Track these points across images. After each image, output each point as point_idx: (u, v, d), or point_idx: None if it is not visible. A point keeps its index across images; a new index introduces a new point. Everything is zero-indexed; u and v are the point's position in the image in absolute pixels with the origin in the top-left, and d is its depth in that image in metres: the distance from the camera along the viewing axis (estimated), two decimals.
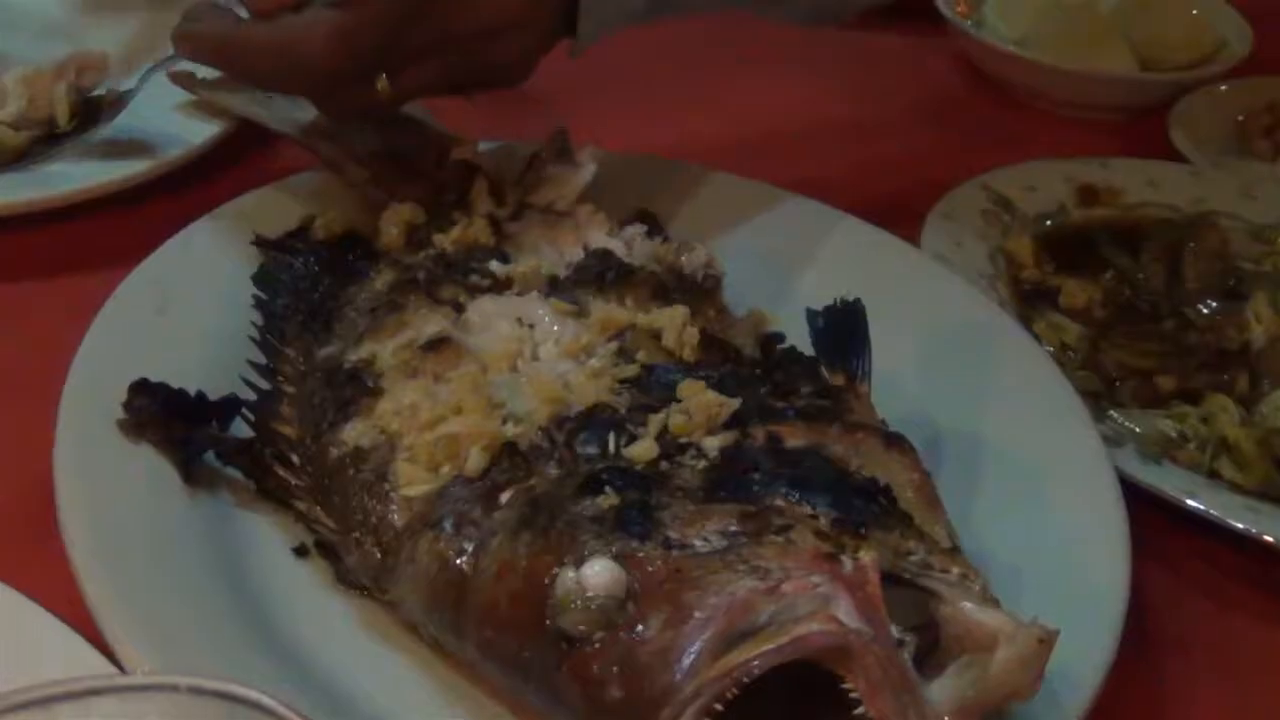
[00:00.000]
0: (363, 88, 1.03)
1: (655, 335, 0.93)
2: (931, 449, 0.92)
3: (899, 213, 1.18)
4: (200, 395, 0.91)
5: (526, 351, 0.92)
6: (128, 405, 0.89)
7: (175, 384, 0.91)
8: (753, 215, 1.16)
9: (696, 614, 0.71)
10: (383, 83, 1.02)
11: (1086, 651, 0.81)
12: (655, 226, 1.08)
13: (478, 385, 0.87)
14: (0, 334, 1.04)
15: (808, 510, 0.77)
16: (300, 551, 0.86)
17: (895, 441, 0.85)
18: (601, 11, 1.07)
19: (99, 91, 1.22)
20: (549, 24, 1.07)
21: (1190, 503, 0.98)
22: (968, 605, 0.73)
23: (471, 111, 1.15)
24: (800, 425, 0.84)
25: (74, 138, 1.20)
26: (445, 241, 1.03)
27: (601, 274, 0.98)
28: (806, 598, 0.71)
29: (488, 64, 1.06)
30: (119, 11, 1.38)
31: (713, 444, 0.82)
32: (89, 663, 0.75)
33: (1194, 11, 1.58)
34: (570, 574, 0.74)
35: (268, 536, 0.87)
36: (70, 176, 1.16)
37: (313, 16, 1.00)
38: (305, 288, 1.02)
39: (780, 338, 0.99)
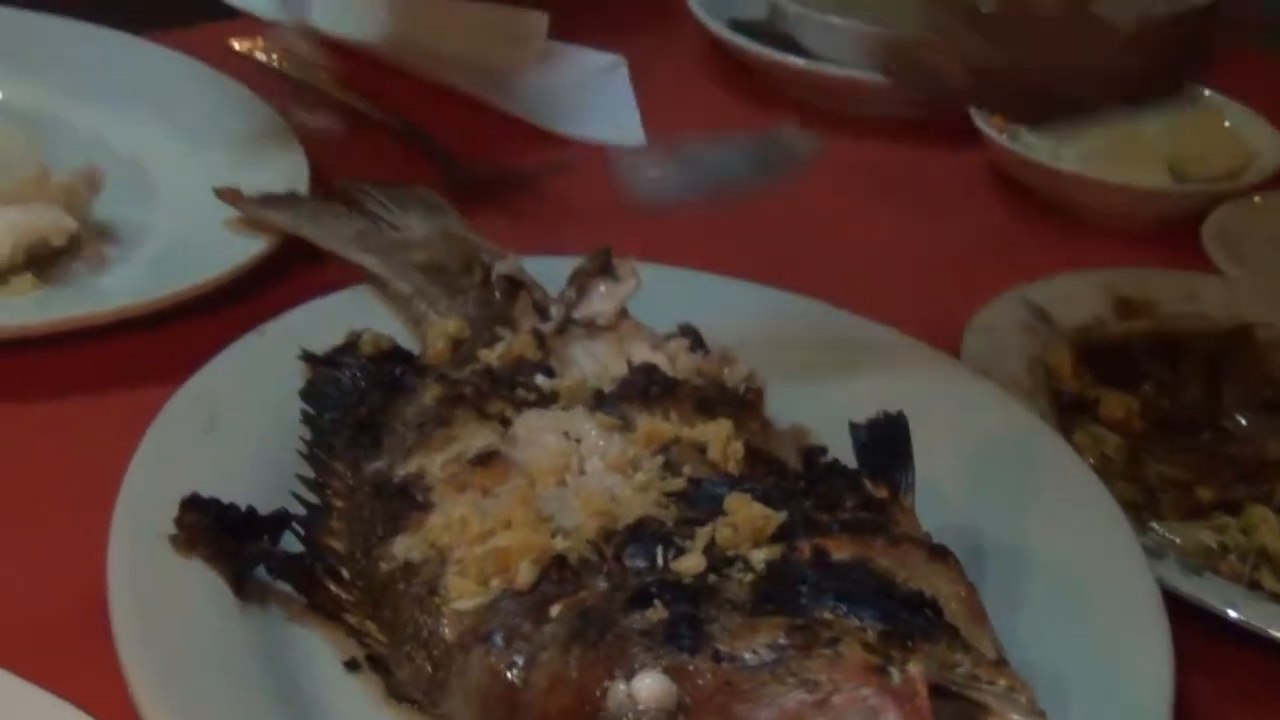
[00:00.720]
0: None
1: (700, 449, 0.93)
2: (974, 560, 0.92)
3: (938, 324, 1.19)
4: (250, 510, 0.92)
5: (574, 465, 0.93)
6: (179, 521, 0.90)
7: (225, 499, 0.91)
8: (792, 328, 1.17)
9: None
10: None
11: None
12: (697, 340, 1.09)
13: (526, 499, 0.88)
14: (52, 450, 1.05)
15: (855, 623, 0.77)
16: (352, 665, 0.86)
17: (940, 554, 0.85)
18: None
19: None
20: None
21: (1232, 613, 0.98)
22: (1015, 717, 0.73)
23: (515, 227, 1.17)
24: (846, 538, 0.84)
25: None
26: (491, 357, 1.04)
27: (646, 388, 0.99)
28: (856, 710, 0.72)
29: None
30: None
31: (759, 557, 0.83)
32: None
33: (1226, 124, 1.59)
34: (621, 687, 0.74)
35: (319, 650, 0.87)
36: (118, 293, 1.17)
37: None
38: (353, 403, 1.03)
39: (823, 451, 1.00)
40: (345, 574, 0.90)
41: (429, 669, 0.84)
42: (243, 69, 1.49)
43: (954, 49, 1.04)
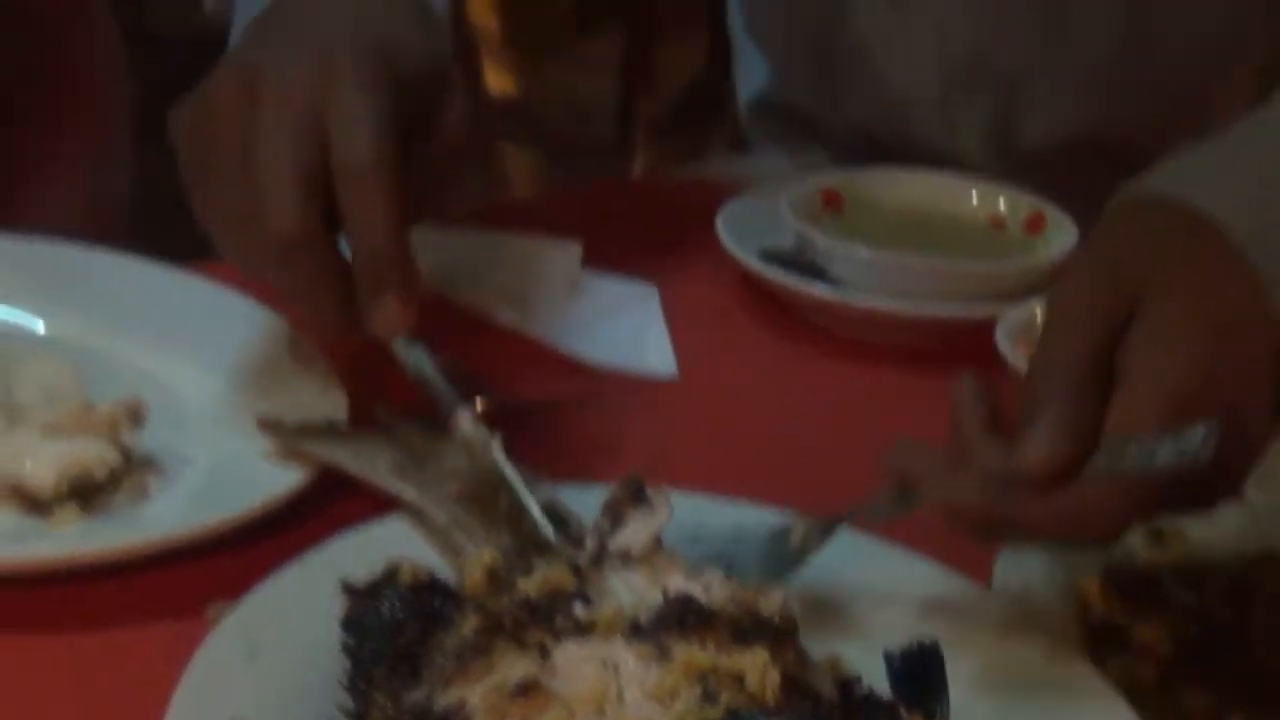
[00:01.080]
0: None
1: (738, 678, 0.94)
2: None
3: (968, 553, 1.20)
4: None
5: (613, 695, 0.93)
6: None
7: None
8: (823, 556, 1.18)
9: None
10: None
11: None
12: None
13: None
14: (95, 681, 1.06)
15: None
16: None
17: None
18: None
19: None
20: None
21: None
22: None
23: (548, 456, 1.19)
24: None
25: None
26: (528, 586, 1.05)
27: (682, 618, 1.00)
28: None
29: None
30: None
31: None
32: None
33: None
34: None
35: None
36: (160, 524, 1.19)
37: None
38: (393, 633, 1.03)
39: (858, 680, 1.01)
40: None
41: None
42: (281, 300, 1.51)
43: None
